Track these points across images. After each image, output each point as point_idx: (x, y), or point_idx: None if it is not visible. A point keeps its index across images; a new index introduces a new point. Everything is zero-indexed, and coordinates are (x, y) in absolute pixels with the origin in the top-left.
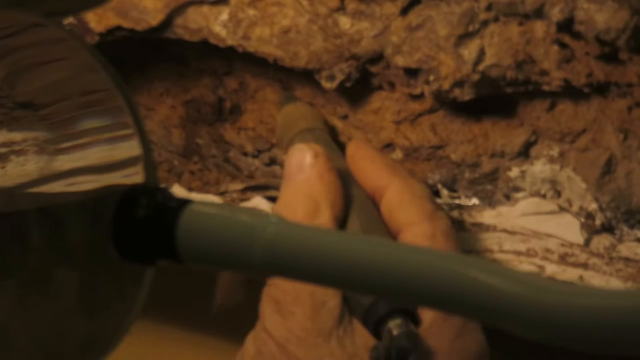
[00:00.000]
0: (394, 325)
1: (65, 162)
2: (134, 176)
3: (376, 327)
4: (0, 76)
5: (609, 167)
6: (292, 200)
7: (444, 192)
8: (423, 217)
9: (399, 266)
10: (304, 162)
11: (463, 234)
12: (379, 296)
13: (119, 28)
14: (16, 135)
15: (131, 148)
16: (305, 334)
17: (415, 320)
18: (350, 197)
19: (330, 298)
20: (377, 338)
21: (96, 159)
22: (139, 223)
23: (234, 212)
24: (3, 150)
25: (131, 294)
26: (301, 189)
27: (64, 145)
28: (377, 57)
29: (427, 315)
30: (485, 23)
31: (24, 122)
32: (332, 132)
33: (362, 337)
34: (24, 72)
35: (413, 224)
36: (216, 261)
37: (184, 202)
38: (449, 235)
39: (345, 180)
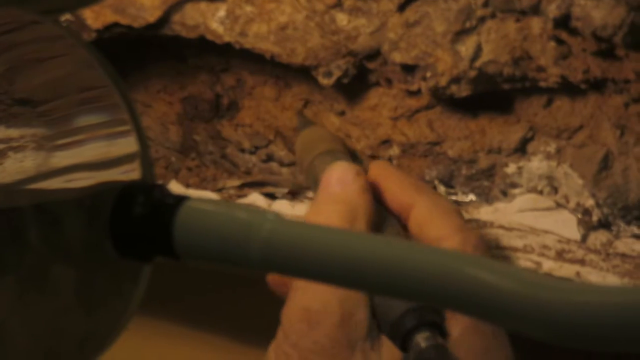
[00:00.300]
0: (422, 338)
1: (62, 158)
2: (131, 173)
3: (404, 341)
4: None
5: (605, 163)
6: (327, 208)
7: (441, 188)
8: (453, 230)
9: (396, 263)
10: (346, 177)
11: None
12: (376, 293)
13: (116, 25)
14: (14, 132)
15: (128, 145)
16: (331, 345)
17: (443, 333)
18: (382, 217)
19: (359, 309)
20: (405, 352)
21: (93, 156)
22: (136, 220)
23: (231, 208)
24: (1, 146)
25: (128, 291)
26: (339, 198)
27: (61, 141)
28: (374, 54)
29: (455, 328)
30: (482, 19)
31: (22, 119)
32: (352, 155)
33: (389, 351)
34: (22, 68)
35: (443, 238)
36: (213, 258)
37: (181, 199)
38: (479, 247)
39: None
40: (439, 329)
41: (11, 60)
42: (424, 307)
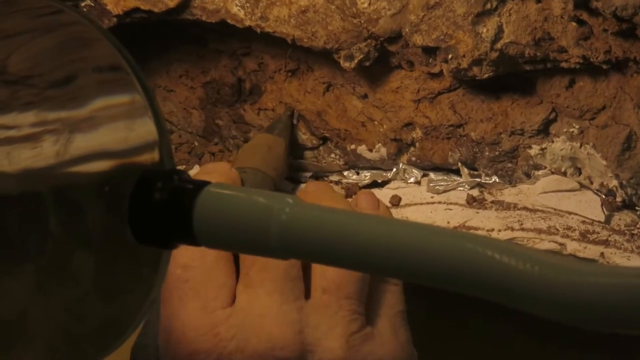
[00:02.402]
0: None
1: (81, 143)
2: (151, 159)
3: None
4: (33, 55)
5: (628, 143)
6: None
7: (464, 170)
8: None
9: (415, 246)
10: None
11: (484, 211)
12: (395, 277)
13: (136, 10)
14: (49, 115)
15: (147, 130)
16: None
17: None
18: None
19: None
20: None
21: (112, 142)
22: (156, 206)
23: (250, 193)
24: (37, 130)
25: (148, 276)
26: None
27: (83, 127)
28: (396, 36)
29: None
30: (502, 1)
31: (56, 102)
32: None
33: None
34: (50, 52)
35: None
36: (233, 243)
37: (201, 185)
38: None
39: None
40: None
41: (44, 44)
42: None
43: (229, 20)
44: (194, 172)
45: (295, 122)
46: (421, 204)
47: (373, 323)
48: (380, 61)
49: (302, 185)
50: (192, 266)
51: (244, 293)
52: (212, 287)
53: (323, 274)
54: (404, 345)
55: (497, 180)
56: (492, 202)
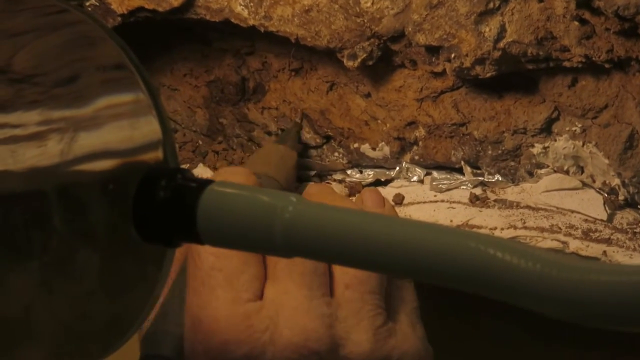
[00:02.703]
0: None
1: (86, 141)
2: (154, 157)
3: None
4: (38, 54)
5: (631, 142)
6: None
7: (467, 169)
8: None
9: (418, 244)
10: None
11: (486, 210)
12: (398, 275)
13: (141, 9)
14: (55, 114)
15: (151, 129)
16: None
17: None
18: None
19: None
20: None
21: (116, 140)
22: (159, 204)
23: (254, 192)
24: (43, 128)
25: (152, 274)
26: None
27: (87, 125)
28: (399, 36)
29: None
30: (505, 0)
31: (61, 101)
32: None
33: None
34: (55, 51)
35: None
36: (237, 241)
37: (205, 183)
38: None
39: None
40: None
41: (49, 43)
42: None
43: (232, 20)
44: (199, 171)
45: (299, 121)
46: (424, 202)
47: (393, 319)
48: (384, 60)
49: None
50: (225, 255)
51: (272, 287)
52: (245, 279)
53: (345, 270)
54: (422, 340)
55: (500, 178)
56: (495, 200)
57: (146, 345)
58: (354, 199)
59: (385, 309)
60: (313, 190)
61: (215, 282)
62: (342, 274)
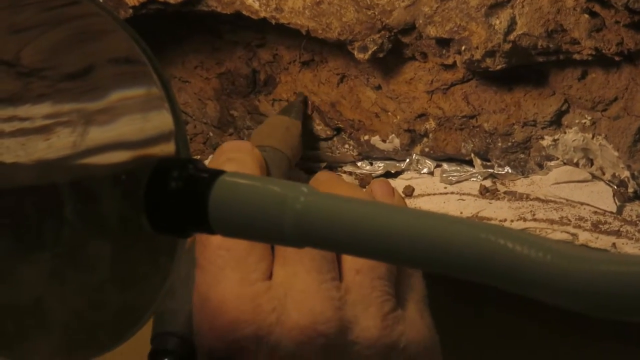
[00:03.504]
0: None
1: (98, 134)
2: (166, 148)
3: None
4: (46, 48)
5: None
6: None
7: (477, 161)
8: None
9: (429, 235)
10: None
11: (496, 202)
12: (409, 265)
13: (152, 1)
14: (63, 107)
15: (163, 120)
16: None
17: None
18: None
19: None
20: None
21: (128, 132)
22: (171, 195)
23: (265, 182)
24: (49, 122)
25: (164, 264)
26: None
27: (98, 116)
28: (409, 28)
29: None
30: None
31: (73, 93)
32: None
33: None
34: (66, 44)
35: None
36: (248, 231)
37: (216, 173)
38: None
39: None
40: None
41: (58, 36)
42: (169, 333)
43: (244, 12)
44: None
45: (310, 112)
46: (434, 194)
47: (402, 306)
48: (394, 52)
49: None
50: None
51: (282, 270)
52: (253, 259)
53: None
54: (430, 329)
55: (510, 171)
56: (505, 192)
57: (157, 324)
58: (365, 189)
59: (395, 296)
60: (323, 177)
61: (223, 262)
62: (353, 259)
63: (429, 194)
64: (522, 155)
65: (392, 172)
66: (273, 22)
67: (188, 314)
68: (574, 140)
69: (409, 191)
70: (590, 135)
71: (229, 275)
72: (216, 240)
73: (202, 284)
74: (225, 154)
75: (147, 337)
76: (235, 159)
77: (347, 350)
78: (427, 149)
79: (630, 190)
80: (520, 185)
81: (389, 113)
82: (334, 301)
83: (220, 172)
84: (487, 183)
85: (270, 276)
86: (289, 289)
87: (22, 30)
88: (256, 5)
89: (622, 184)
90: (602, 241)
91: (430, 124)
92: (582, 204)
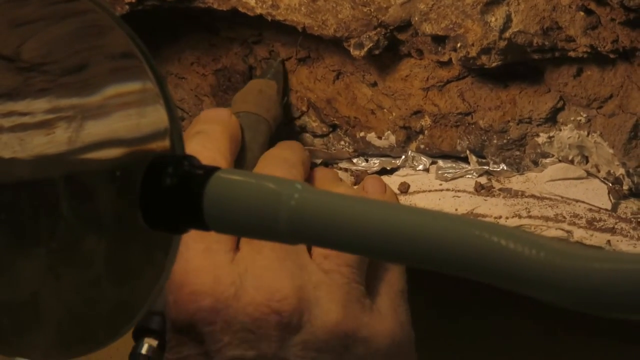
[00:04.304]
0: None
1: (93, 129)
2: (161, 144)
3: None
4: (47, 43)
5: (635, 132)
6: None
7: (473, 158)
8: None
9: (422, 232)
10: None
11: (492, 199)
12: (403, 263)
13: None
14: (64, 102)
15: (158, 116)
16: None
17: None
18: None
19: None
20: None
21: (124, 128)
22: (166, 191)
23: (260, 179)
24: (50, 116)
25: (159, 260)
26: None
27: (95, 113)
28: (405, 25)
29: None
30: None
31: (69, 89)
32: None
33: None
34: (64, 39)
35: None
36: (243, 228)
37: (211, 170)
38: None
39: None
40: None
41: (58, 32)
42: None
43: (240, 9)
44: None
45: (305, 109)
46: (429, 191)
47: (373, 299)
48: (390, 49)
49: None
50: None
51: (247, 245)
52: None
53: None
54: (403, 324)
55: (505, 168)
56: (500, 189)
57: None
58: (357, 185)
59: (363, 285)
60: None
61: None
62: None
63: (424, 191)
64: (517, 153)
65: (388, 168)
66: (269, 18)
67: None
68: (569, 138)
69: (405, 188)
70: (586, 133)
71: (192, 246)
72: None
73: None
74: (196, 125)
75: None
76: (202, 131)
77: (302, 330)
78: (422, 146)
79: (625, 187)
80: (516, 182)
81: (385, 110)
82: (294, 279)
83: (215, 169)
84: (483, 180)
85: (236, 250)
86: (250, 264)
87: (22, 25)
88: (252, 2)
89: (617, 181)
90: (597, 238)
91: (426, 121)
92: (577, 201)
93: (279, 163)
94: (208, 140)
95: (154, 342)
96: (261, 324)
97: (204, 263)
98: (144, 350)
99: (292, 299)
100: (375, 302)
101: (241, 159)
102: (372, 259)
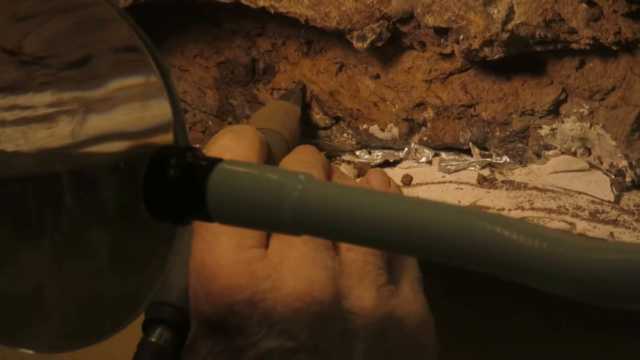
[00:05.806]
0: (156, 333)
1: (97, 122)
2: (165, 136)
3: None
4: (49, 36)
5: (638, 124)
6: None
7: (475, 150)
8: None
9: (426, 223)
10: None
11: (494, 191)
12: (406, 253)
13: None
14: (65, 95)
15: (161, 109)
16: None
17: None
18: None
19: None
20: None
21: (127, 120)
22: (170, 183)
23: (263, 170)
24: (52, 110)
25: (163, 252)
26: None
27: (99, 106)
28: (408, 17)
29: None
30: None
31: (73, 82)
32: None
33: None
34: (67, 32)
35: None
36: (246, 219)
37: (214, 161)
38: None
39: None
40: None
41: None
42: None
43: (243, 1)
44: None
45: (308, 101)
46: (432, 183)
47: (396, 284)
48: (393, 42)
49: None
50: None
51: (277, 239)
52: None
53: None
54: (424, 307)
55: (508, 160)
56: (503, 181)
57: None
58: (360, 178)
59: (387, 271)
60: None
61: (219, 228)
62: None
63: (427, 183)
64: (520, 145)
65: (391, 161)
66: (272, 11)
67: (183, 287)
68: (571, 130)
69: (407, 180)
70: (588, 125)
71: (224, 241)
72: None
73: (198, 250)
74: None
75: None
76: (233, 130)
77: (342, 318)
78: (425, 138)
79: (628, 179)
80: (518, 174)
81: (388, 102)
82: (329, 270)
83: (218, 160)
84: (485, 172)
85: (266, 246)
86: (284, 257)
87: (24, 18)
88: None
89: (620, 173)
90: (600, 230)
91: (429, 113)
92: (579, 193)
93: (301, 165)
94: (240, 137)
95: (165, 332)
96: (302, 314)
97: (237, 257)
98: (154, 338)
99: (330, 288)
100: (398, 288)
101: None
102: None
